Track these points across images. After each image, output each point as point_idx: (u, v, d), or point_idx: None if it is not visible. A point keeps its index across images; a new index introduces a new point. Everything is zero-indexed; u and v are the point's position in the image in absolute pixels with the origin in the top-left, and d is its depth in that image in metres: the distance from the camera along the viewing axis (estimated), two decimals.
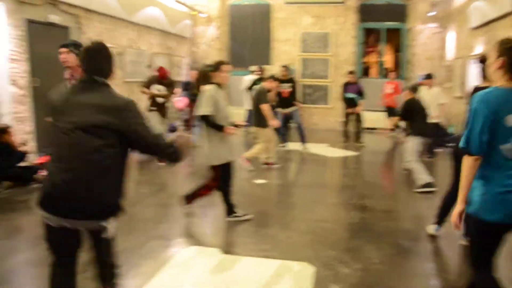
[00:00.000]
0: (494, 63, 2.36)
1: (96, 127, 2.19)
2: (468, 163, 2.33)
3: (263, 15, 13.13)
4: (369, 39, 13.27)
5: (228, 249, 3.86)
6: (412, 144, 6.04)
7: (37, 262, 3.54)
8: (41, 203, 2.23)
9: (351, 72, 10.19)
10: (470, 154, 2.31)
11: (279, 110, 8.89)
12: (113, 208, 2.29)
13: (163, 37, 11.09)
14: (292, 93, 9.13)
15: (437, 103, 7.87)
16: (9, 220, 4.63)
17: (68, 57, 4.01)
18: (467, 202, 2.37)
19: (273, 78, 7.33)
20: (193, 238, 4.22)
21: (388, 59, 13.48)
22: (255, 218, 4.70)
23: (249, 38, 13.30)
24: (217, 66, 4.45)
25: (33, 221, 4.61)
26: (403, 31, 12.63)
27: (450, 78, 11.08)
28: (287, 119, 9.14)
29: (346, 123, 10.16)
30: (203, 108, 4.34)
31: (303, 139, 9.05)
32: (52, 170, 2.24)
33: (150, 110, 7.62)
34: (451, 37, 11.40)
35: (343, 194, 6.03)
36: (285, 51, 12.91)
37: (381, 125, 11.53)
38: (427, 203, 5.23)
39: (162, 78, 7.87)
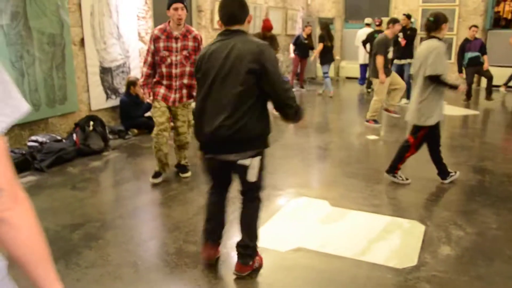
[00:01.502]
0: None
1: (240, 74, 2.44)
2: None
3: None
4: None
5: (338, 202, 3.93)
6: None
7: (159, 202, 3.97)
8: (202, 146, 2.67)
9: (473, 26, 9.26)
10: None
11: (395, 61, 8.50)
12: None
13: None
14: (409, 45, 8.61)
15: None
16: (136, 164, 5.18)
17: (183, 13, 4.08)
18: None
19: (393, 21, 6.82)
20: (304, 189, 4.34)
21: None
22: (366, 173, 4.69)
23: None
24: (439, 22, 4.17)
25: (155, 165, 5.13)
26: None
27: None
28: (401, 71, 8.71)
29: (468, 81, 9.36)
30: (437, 67, 4.01)
31: (408, 95, 8.64)
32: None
33: None
34: None
35: (461, 155, 5.69)
36: (405, 1, 12.10)
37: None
38: None
39: (266, 30, 7.85)
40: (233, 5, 2.54)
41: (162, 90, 4.25)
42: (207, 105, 2.53)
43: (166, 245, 3.16)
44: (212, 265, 2.88)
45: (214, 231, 2.87)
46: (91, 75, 5.96)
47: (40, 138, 5.03)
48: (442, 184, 4.44)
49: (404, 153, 4.37)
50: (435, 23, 4.14)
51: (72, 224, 3.45)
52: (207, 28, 8.35)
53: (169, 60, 4.17)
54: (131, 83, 6.30)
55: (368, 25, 10.63)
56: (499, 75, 10.29)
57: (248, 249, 2.75)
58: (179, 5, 4.05)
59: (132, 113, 6.25)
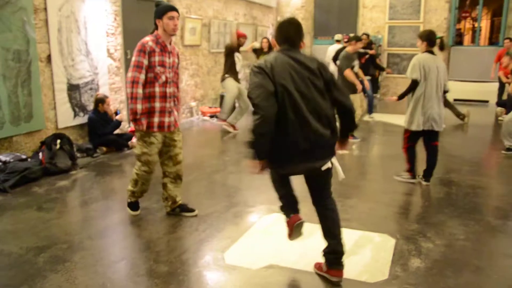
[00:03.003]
0: None
1: None
2: None
3: None
4: (465, 3, 12.34)
5: (310, 217, 3.92)
6: None
7: (129, 221, 3.88)
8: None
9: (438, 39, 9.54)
10: None
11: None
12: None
13: (249, 7, 11.17)
14: (369, 61, 8.82)
15: None
16: (105, 182, 5.07)
17: (178, 24, 3.68)
18: None
19: (356, 39, 7.01)
20: (275, 206, 4.33)
21: (484, 25, 12.51)
22: (337, 188, 4.72)
23: (335, 5, 12.97)
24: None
25: (125, 184, 5.02)
26: None
27: None
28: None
29: None
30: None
31: (370, 109, 8.87)
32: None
33: (224, 78, 7.74)
34: None
35: None
36: (372, 18, 12.44)
37: (475, 96, 10.85)
38: None
39: (241, 36, 7.86)
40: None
41: (156, 119, 3.62)
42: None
43: (136, 266, 3.09)
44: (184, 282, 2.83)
45: (292, 204, 3.06)
46: (58, 92, 5.84)
47: (3, 157, 4.87)
48: (410, 197, 4.53)
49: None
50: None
51: (37, 247, 3.33)
52: (177, 45, 8.34)
53: (163, 78, 3.62)
54: (100, 100, 6.21)
55: (338, 41, 10.84)
56: (461, 90, 10.67)
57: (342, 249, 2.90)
58: (175, 14, 3.59)
59: (100, 130, 6.15)
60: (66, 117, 5.98)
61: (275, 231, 3.67)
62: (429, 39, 4.70)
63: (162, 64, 3.61)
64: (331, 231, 2.89)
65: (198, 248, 3.36)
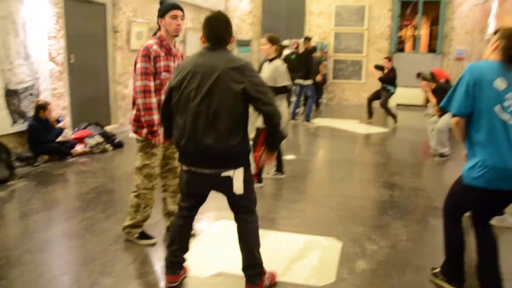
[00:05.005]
0: (493, 44, 2.67)
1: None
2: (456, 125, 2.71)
3: None
4: (406, 12, 12.88)
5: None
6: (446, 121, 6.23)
7: (72, 233, 3.74)
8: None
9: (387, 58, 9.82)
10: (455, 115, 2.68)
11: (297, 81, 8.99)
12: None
13: (196, 12, 11.11)
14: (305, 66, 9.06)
15: None
16: (47, 192, 4.84)
17: (182, 23, 3.33)
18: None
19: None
20: (224, 212, 4.31)
21: (424, 33, 13.10)
22: (284, 193, 4.78)
23: (283, 11, 13.15)
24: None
25: (69, 193, 4.86)
26: (442, 4, 12.18)
27: None
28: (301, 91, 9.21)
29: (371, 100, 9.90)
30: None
31: (308, 115, 9.07)
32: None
33: None
34: (494, 9, 10.93)
35: (372, 171, 6.03)
36: (319, 24, 12.72)
37: (416, 101, 11.34)
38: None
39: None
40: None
41: (161, 129, 3.18)
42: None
43: (79, 279, 2.98)
44: None
45: (177, 260, 2.85)
46: None
47: None
48: (356, 200, 4.65)
49: None
50: None
51: None
52: (123, 49, 8.16)
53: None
54: (41, 107, 5.95)
55: (286, 47, 11.01)
56: (403, 95, 11.12)
57: (257, 267, 2.76)
58: (179, 12, 3.25)
59: (42, 138, 5.88)
60: (3, 124, 5.68)
61: (224, 238, 3.65)
62: None
63: (168, 70, 3.26)
64: (242, 246, 2.78)
65: (145, 259, 3.28)
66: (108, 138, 6.70)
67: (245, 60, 2.61)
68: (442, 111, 6.56)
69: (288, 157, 6.32)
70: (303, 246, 3.51)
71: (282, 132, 2.67)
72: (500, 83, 2.53)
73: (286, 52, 10.31)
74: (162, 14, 3.26)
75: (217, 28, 2.63)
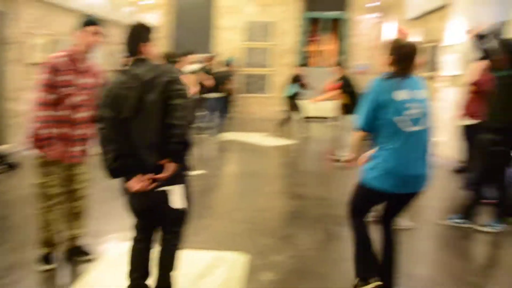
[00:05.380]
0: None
1: None
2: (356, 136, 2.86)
3: (208, 2, 13.02)
4: (312, 28, 13.48)
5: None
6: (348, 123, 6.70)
7: None
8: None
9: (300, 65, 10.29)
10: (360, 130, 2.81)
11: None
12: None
13: (102, 25, 10.73)
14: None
15: None
16: None
17: (100, 39, 3.28)
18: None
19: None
20: (126, 233, 4.13)
21: (330, 48, 13.78)
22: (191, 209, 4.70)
23: (193, 26, 13.15)
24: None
25: None
26: (344, 21, 12.91)
27: None
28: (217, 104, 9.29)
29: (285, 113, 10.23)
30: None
31: (218, 128, 9.16)
32: None
33: None
34: (389, 28, 11.79)
35: (279, 183, 6.17)
36: (229, 39, 12.88)
37: (324, 113, 11.86)
38: None
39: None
40: None
41: (58, 146, 3.13)
42: None
43: None
44: None
45: None
46: None
47: None
48: (262, 212, 4.71)
49: None
50: None
51: None
52: (19, 63, 7.61)
53: (72, 100, 3.12)
54: None
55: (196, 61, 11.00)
56: (311, 108, 11.53)
57: None
58: (95, 28, 3.21)
59: None
60: None
61: (126, 260, 3.49)
62: None
63: (70, 84, 3.11)
64: (161, 265, 2.74)
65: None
66: (0, 159, 6.18)
67: None
68: (347, 107, 6.99)
69: (195, 172, 6.25)
70: (210, 263, 3.46)
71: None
72: (400, 95, 2.69)
73: (194, 66, 10.32)
74: (79, 28, 3.19)
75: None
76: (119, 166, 2.46)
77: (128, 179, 2.52)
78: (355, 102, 6.92)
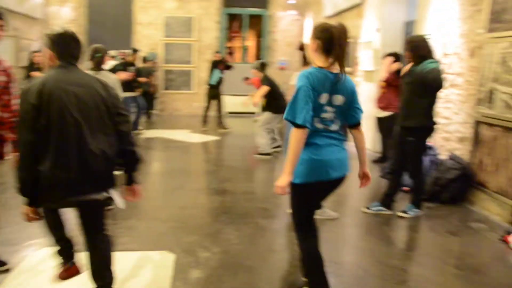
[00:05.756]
0: (311, 46, 2.61)
1: None
2: (296, 135, 2.48)
3: None
4: (233, 24, 13.52)
5: (83, 247, 3.66)
6: (267, 118, 7.06)
7: None
8: None
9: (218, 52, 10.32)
10: (297, 126, 2.47)
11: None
12: None
13: (8, 17, 9.99)
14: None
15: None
16: None
17: (3, 34, 3.12)
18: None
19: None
20: (44, 240, 3.89)
21: (251, 44, 13.92)
22: (114, 210, 4.53)
23: (109, 21, 12.65)
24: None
25: None
26: (265, 18, 13.10)
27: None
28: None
29: (207, 108, 10.20)
30: None
31: (135, 125, 9.00)
32: None
33: None
34: (308, 24, 12.15)
35: (204, 179, 6.14)
36: (148, 35, 12.57)
37: (245, 109, 11.99)
38: None
39: None
40: None
41: None
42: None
43: None
44: None
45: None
46: None
47: None
48: (188, 210, 4.66)
49: None
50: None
51: None
52: None
53: None
54: None
55: (113, 57, 10.57)
56: (233, 103, 11.63)
57: None
58: (2, 21, 3.07)
59: None
60: None
61: (45, 268, 3.29)
62: None
63: None
64: (98, 269, 2.67)
65: None
66: None
67: None
68: (268, 101, 7.10)
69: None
70: (135, 264, 3.37)
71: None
72: (325, 97, 2.54)
73: (113, 62, 9.95)
74: None
75: (72, 44, 2.54)
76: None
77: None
78: (275, 98, 7.10)
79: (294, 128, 2.50)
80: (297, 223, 2.81)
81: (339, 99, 2.59)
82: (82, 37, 12.24)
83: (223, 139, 9.16)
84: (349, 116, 2.71)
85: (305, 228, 2.79)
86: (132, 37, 12.57)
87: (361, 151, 2.82)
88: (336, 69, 2.56)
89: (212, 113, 10.05)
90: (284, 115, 2.55)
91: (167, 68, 12.62)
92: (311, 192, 2.71)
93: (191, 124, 10.56)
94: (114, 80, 4.67)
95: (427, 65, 4.16)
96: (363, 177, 2.87)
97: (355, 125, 2.76)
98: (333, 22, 2.62)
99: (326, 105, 2.57)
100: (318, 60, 2.60)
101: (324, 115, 2.58)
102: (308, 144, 2.57)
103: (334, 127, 2.64)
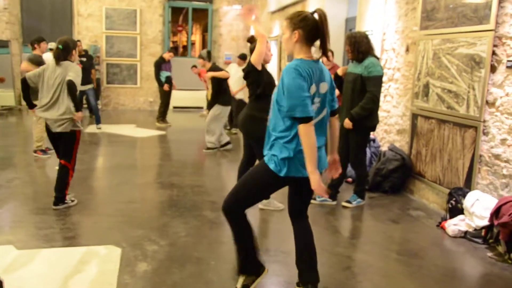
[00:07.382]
0: (291, 37, 2.49)
1: None
2: (305, 130, 2.36)
3: None
4: (178, 18, 13.36)
5: (26, 243, 3.54)
6: (216, 111, 7.07)
7: None
8: None
9: (171, 50, 10.17)
10: (304, 121, 2.36)
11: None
12: None
13: None
14: (87, 70, 8.70)
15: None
16: None
17: None
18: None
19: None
20: (9, 236, 3.69)
21: (197, 39, 13.83)
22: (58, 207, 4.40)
23: (46, 11, 12.09)
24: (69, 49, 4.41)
25: None
26: (210, 12, 13.03)
27: None
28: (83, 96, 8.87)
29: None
30: None
31: (97, 120, 8.86)
32: None
33: None
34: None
35: (151, 174, 6.06)
36: (88, 27, 12.15)
37: (191, 104, 11.94)
38: (232, 175, 5.62)
39: None
40: None
41: None
42: None
43: None
44: None
45: None
46: None
47: None
48: (134, 204, 4.60)
49: None
50: (65, 50, 4.32)
51: None
52: None
53: None
54: None
55: (51, 49, 10.13)
56: (179, 98, 11.54)
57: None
58: None
59: None
60: None
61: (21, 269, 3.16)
62: None
63: None
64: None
65: None
66: None
67: None
68: (215, 95, 7.06)
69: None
70: (80, 259, 3.29)
71: None
72: (313, 88, 2.46)
73: (50, 55, 9.55)
74: None
75: None
76: None
77: None
78: (224, 90, 7.13)
79: (301, 124, 2.36)
80: (243, 205, 2.71)
81: (324, 87, 2.53)
82: (15, 27, 11.68)
83: (170, 133, 9.06)
84: (329, 104, 2.64)
85: (244, 209, 2.73)
86: (72, 28, 12.10)
87: (335, 139, 2.81)
88: (315, 57, 2.50)
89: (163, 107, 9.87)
90: (287, 113, 2.41)
91: (109, 61, 12.27)
92: (283, 184, 2.63)
93: (137, 119, 10.36)
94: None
95: (368, 64, 4.35)
96: (334, 163, 2.85)
97: (334, 112, 2.72)
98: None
99: (315, 96, 2.48)
100: (301, 51, 2.49)
101: (313, 106, 2.47)
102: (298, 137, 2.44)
103: (319, 117, 2.57)
